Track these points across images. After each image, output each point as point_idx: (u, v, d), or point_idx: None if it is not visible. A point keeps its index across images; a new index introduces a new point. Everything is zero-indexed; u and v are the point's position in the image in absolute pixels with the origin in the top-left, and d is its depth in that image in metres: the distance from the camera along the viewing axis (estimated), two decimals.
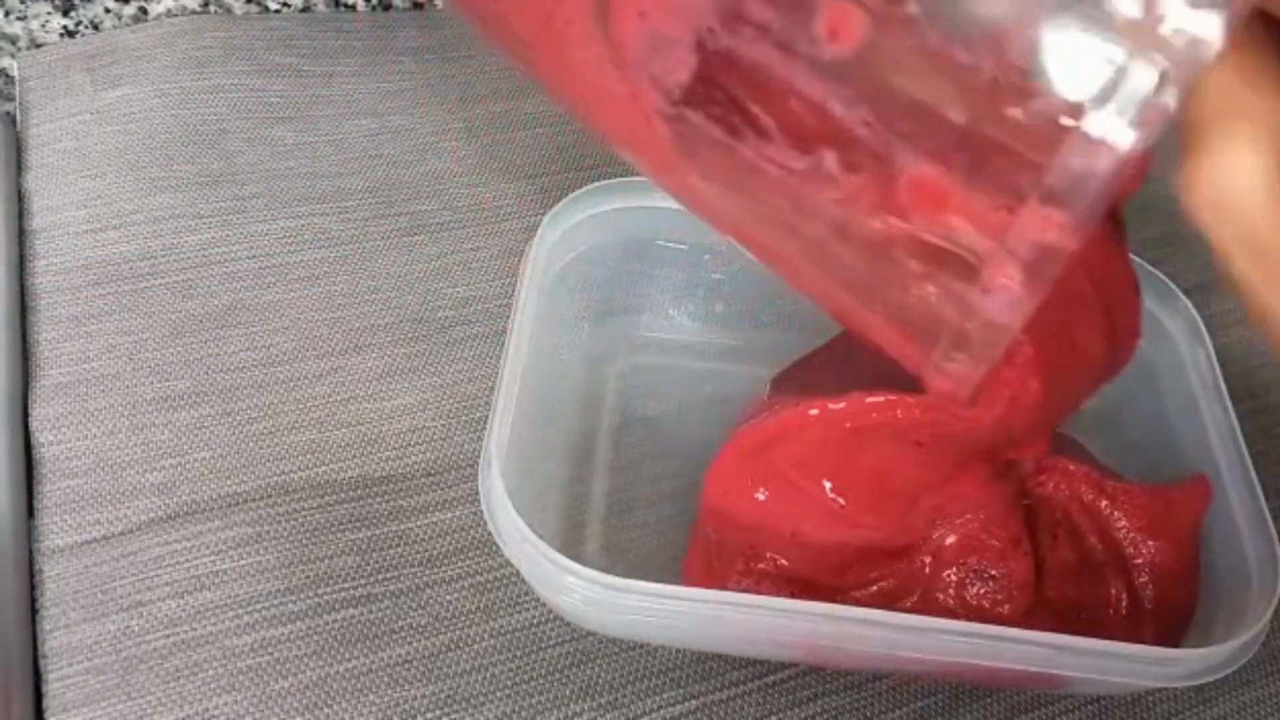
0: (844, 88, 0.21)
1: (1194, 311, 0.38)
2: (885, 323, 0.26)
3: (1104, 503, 0.34)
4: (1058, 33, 0.19)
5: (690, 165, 0.25)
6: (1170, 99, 0.18)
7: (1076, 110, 0.19)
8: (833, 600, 0.33)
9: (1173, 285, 0.38)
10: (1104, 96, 0.19)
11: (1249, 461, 0.34)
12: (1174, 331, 0.38)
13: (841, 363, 0.34)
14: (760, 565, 0.34)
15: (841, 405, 0.31)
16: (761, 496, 0.33)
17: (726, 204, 0.26)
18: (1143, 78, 0.18)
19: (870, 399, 0.31)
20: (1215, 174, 0.19)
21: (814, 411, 0.32)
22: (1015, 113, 0.20)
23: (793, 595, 0.33)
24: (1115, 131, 0.19)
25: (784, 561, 0.34)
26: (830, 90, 0.21)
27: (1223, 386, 0.36)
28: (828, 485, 0.32)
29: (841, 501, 0.32)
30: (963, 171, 0.21)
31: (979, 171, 0.21)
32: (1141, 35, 0.18)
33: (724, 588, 0.30)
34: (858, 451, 0.32)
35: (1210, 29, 0.18)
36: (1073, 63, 0.19)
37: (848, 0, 0.21)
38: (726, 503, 0.34)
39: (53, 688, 0.33)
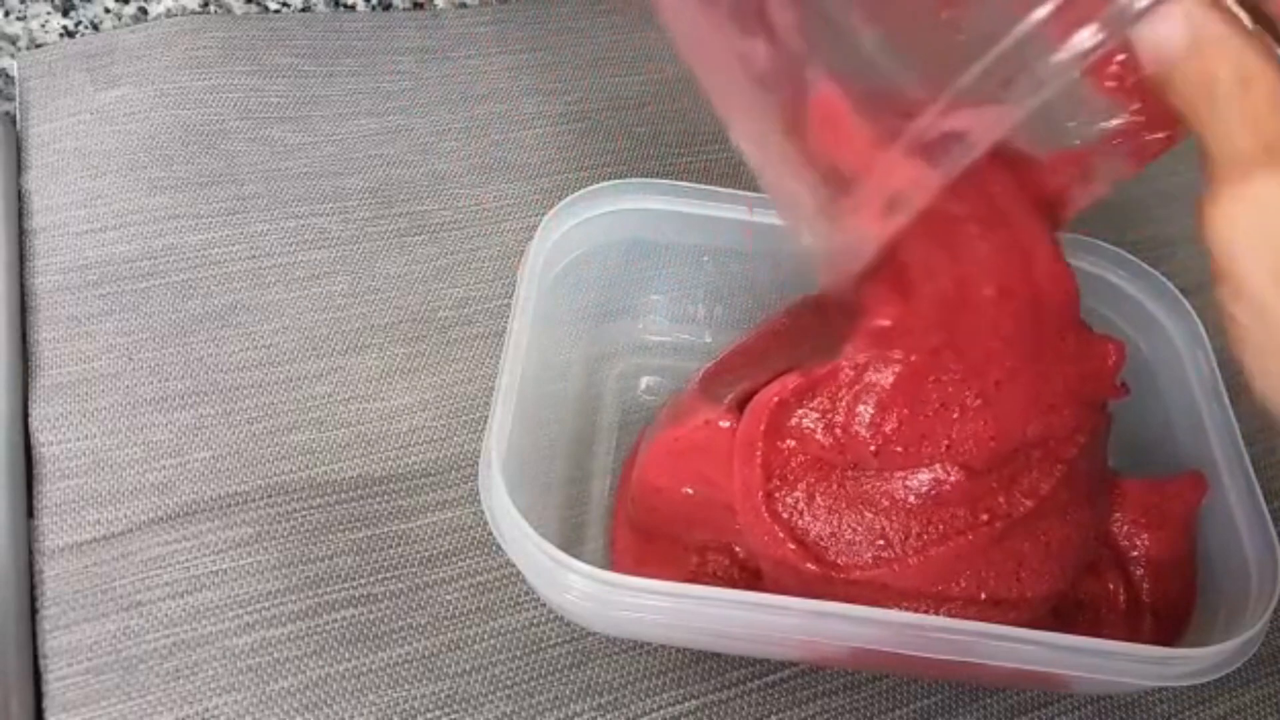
0: None
1: (1194, 312, 0.38)
2: (770, 185, 0.28)
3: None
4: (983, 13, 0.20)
5: None
6: (1046, 88, 0.19)
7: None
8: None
9: (1172, 285, 0.39)
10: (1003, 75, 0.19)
11: (1248, 461, 0.34)
12: (1174, 332, 0.38)
13: (759, 361, 0.35)
14: (711, 555, 0.34)
15: (727, 424, 0.32)
16: (690, 492, 0.33)
17: (685, 32, 0.28)
18: (1038, 61, 0.19)
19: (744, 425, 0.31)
20: (1254, 203, 0.20)
21: (723, 424, 0.32)
22: (918, 64, 0.22)
23: (744, 584, 0.33)
24: (997, 109, 0.20)
25: (738, 550, 0.34)
26: None
27: (1222, 386, 0.36)
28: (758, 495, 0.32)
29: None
30: (858, 99, 0.22)
31: (871, 105, 0.22)
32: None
33: (670, 577, 0.30)
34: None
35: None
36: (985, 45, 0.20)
37: None
38: (660, 500, 0.34)
39: (53, 688, 0.33)
